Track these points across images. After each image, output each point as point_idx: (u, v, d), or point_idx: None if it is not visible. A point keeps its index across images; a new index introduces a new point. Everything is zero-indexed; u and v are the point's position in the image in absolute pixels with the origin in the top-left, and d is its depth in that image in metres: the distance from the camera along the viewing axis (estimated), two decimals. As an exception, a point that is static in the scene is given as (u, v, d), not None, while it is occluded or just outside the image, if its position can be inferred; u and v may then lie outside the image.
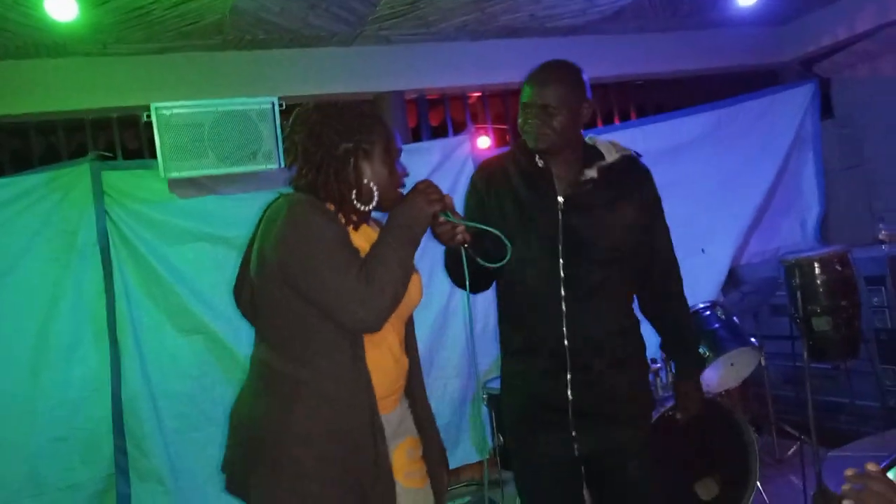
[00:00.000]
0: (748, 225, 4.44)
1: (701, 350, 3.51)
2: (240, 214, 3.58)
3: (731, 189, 4.43)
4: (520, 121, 2.16)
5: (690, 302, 3.66)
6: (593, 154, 2.19)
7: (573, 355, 2.11)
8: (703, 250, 4.30)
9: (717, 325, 3.60)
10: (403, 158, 4.06)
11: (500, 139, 4.84)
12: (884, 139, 4.98)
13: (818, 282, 3.33)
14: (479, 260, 1.90)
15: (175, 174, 3.35)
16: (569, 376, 2.12)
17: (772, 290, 4.04)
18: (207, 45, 4.14)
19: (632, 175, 2.22)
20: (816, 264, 3.33)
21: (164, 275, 3.48)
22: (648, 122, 4.51)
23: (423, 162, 3.97)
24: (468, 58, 4.69)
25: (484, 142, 4.37)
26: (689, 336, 2.40)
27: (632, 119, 5.25)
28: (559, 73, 2.15)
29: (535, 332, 2.16)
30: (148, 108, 3.33)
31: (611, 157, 2.19)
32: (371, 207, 1.79)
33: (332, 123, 1.75)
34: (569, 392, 2.12)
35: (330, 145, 1.74)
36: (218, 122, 3.40)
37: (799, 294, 3.31)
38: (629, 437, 2.18)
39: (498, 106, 5.12)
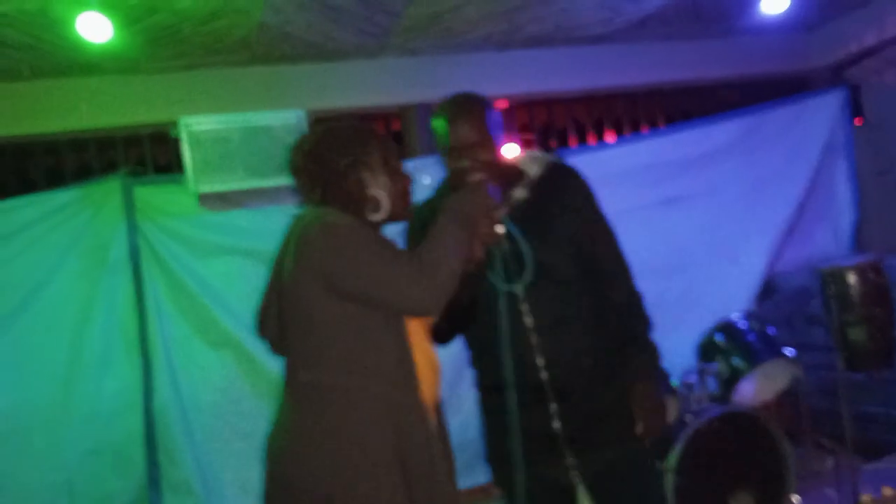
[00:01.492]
0: (781, 233, 4.39)
1: (735, 362, 3.46)
2: (269, 227, 3.59)
3: (763, 197, 4.38)
4: (448, 163, 2.10)
5: (724, 312, 3.68)
6: (515, 174, 2.15)
7: (553, 384, 2.06)
8: (736, 259, 4.25)
9: (752, 337, 3.55)
10: (430, 170, 4.09)
11: (526, 149, 4.84)
12: (916, 145, 4.91)
13: (852, 291, 3.28)
14: (494, 279, 1.88)
15: (204, 189, 3.38)
16: (554, 407, 2.06)
17: (806, 299, 3.98)
18: (235, 60, 4.19)
19: (559, 180, 2.15)
20: (851, 273, 3.28)
21: (194, 288, 3.50)
22: (677, 131, 4.48)
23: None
24: (494, 68, 4.70)
25: (510, 150, 4.34)
26: (638, 333, 2.16)
27: (660, 127, 5.22)
28: (468, 106, 2.09)
29: (509, 367, 2.05)
30: (177, 124, 3.37)
31: (533, 171, 2.14)
32: (381, 217, 1.82)
33: (329, 143, 1.81)
34: (555, 422, 2.06)
35: (331, 163, 1.78)
36: (246, 137, 3.43)
37: (833, 303, 3.26)
38: (626, 456, 2.11)
39: (524, 115, 5.12)
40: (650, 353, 2.17)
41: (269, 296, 1.84)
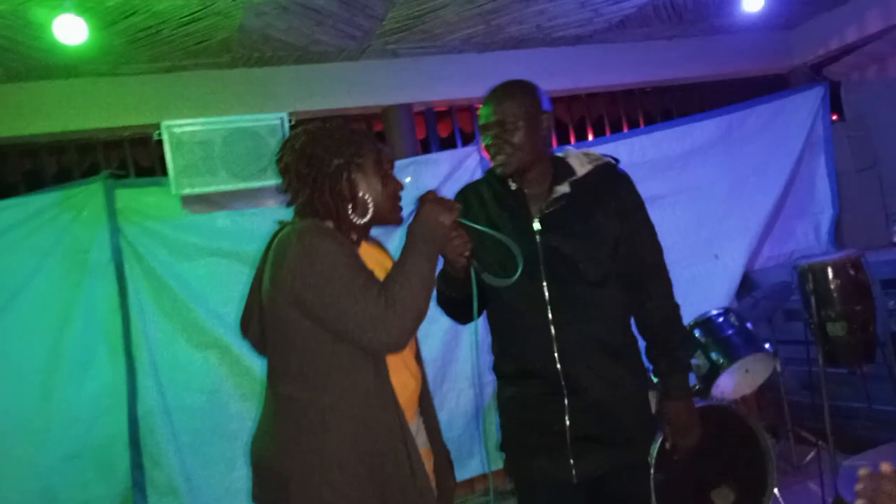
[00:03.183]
0: (761, 230, 4.42)
1: (714, 357, 3.49)
2: (251, 229, 3.61)
3: (743, 194, 4.41)
4: (483, 144, 2.14)
5: (704, 308, 3.72)
6: (564, 169, 2.14)
7: (567, 379, 2.06)
8: (716, 256, 4.28)
9: (731, 332, 3.57)
10: (413, 170, 4.10)
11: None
12: (895, 140, 4.95)
13: (832, 286, 3.30)
14: (486, 277, 1.88)
15: (187, 191, 3.37)
16: (566, 401, 2.07)
17: (786, 295, 4.01)
18: (216, 63, 4.18)
19: (607, 183, 2.15)
20: (830, 269, 3.30)
21: (177, 291, 3.50)
22: (657, 129, 4.50)
23: (432, 173, 3.99)
24: (475, 69, 4.70)
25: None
26: (676, 349, 2.18)
27: (640, 126, 5.24)
28: (510, 89, 2.11)
29: (527, 358, 2.11)
30: (159, 127, 3.37)
31: (582, 169, 2.14)
32: (367, 220, 1.80)
33: (321, 142, 1.77)
34: (566, 417, 2.07)
35: (321, 163, 1.75)
36: (228, 139, 3.43)
37: (813, 299, 3.28)
38: (627, 458, 2.13)
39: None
40: (685, 370, 2.20)
41: (250, 301, 1.84)
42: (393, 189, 1.84)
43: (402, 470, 1.67)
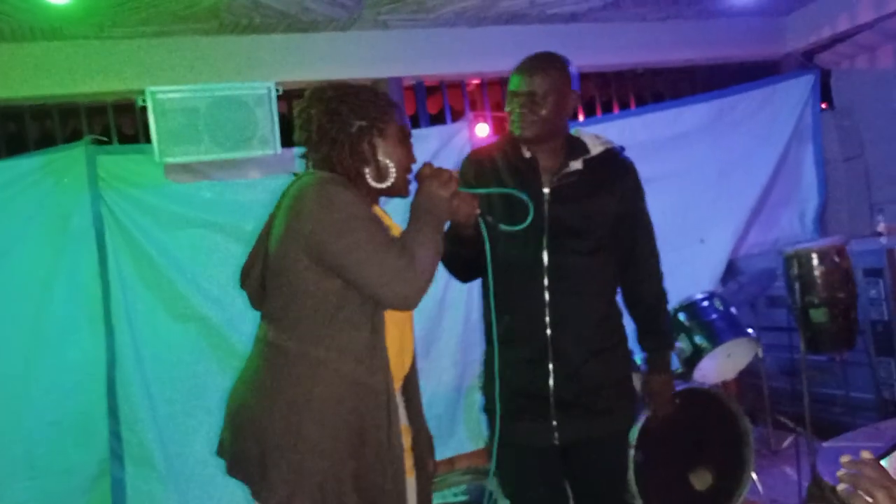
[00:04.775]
0: (747, 215, 4.44)
1: (698, 341, 3.52)
2: (234, 200, 3.58)
3: (731, 179, 4.42)
4: (507, 109, 2.21)
5: (689, 292, 3.73)
6: (578, 146, 2.23)
7: (555, 344, 2.14)
8: (701, 240, 4.30)
9: (714, 316, 3.59)
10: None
11: (498, 127, 4.81)
12: (883, 131, 4.96)
13: (816, 273, 3.32)
14: (501, 226, 1.92)
15: (170, 159, 3.33)
16: (551, 366, 2.15)
17: (770, 281, 4.03)
18: (204, 29, 4.11)
19: (614, 167, 2.26)
20: (814, 256, 3.32)
21: (158, 260, 3.47)
22: (648, 112, 4.49)
23: (421, 149, 3.88)
24: (467, 44, 4.65)
25: (482, 129, 4.34)
26: (662, 329, 2.38)
27: (631, 108, 5.22)
28: (547, 62, 2.18)
29: (517, 322, 2.17)
30: (143, 93, 3.31)
31: (595, 149, 2.23)
32: (385, 186, 1.81)
33: (348, 101, 1.78)
34: (550, 382, 2.15)
35: (346, 121, 1.76)
36: (214, 107, 3.38)
37: (797, 285, 3.30)
38: (607, 428, 2.21)
39: (497, 93, 5.08)
40: (670, 349, 2.44)
41: (255, 251, 1.82)
42: (409, 162, 1.86)
43: (379, 436, 1.68)
